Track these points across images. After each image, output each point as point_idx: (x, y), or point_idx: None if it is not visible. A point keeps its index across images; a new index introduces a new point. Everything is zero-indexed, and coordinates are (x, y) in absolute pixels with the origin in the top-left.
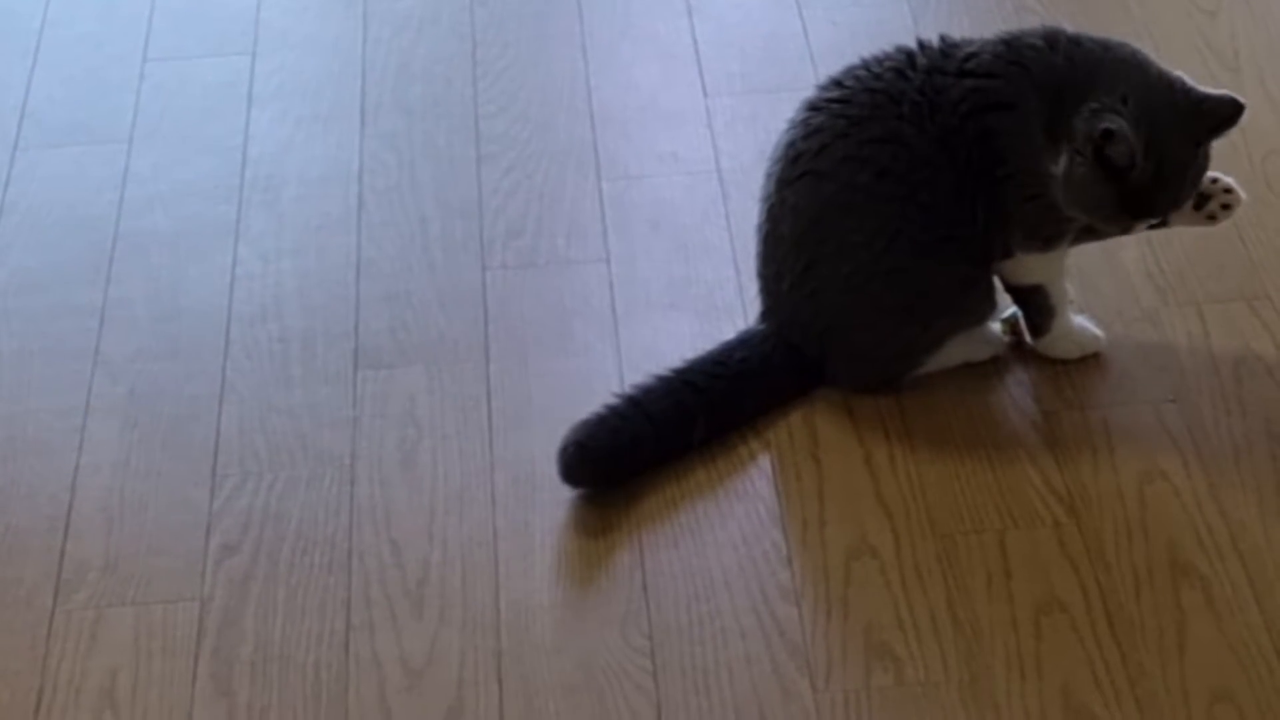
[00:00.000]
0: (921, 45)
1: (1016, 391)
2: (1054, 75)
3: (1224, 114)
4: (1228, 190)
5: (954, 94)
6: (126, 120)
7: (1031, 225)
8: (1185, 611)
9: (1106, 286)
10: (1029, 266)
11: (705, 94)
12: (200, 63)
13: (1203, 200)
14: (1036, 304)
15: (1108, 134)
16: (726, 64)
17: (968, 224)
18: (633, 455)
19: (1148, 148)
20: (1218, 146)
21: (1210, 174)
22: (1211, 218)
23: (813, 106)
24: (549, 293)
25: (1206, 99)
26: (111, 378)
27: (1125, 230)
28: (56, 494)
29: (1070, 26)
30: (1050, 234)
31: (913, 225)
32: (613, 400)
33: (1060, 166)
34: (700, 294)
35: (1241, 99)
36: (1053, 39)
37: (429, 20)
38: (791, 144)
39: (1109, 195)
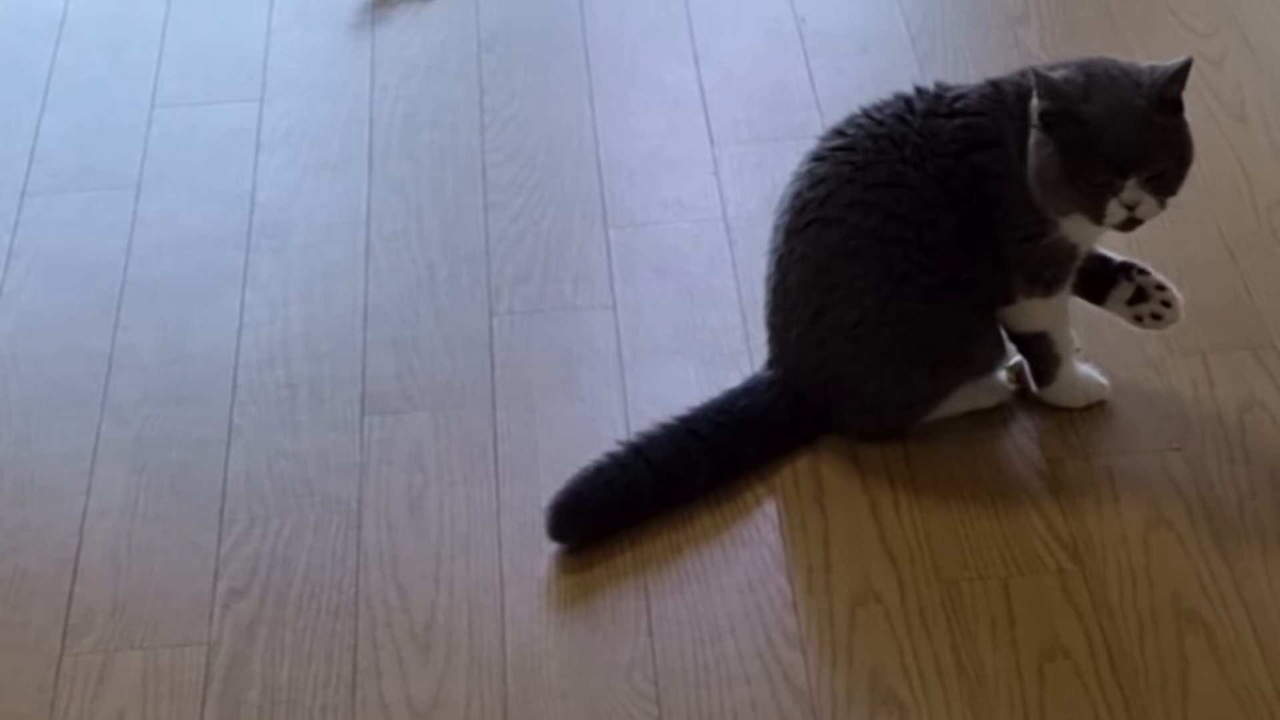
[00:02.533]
0: (919, 90)
1: (1022, 439)
2: (1028, 104)
3: (1172, 69)
4: (1166, 304)
5: (945, 134)
6: (135, 166)
7: (1032, 268)
8: (1189, 658)
9: (1111, 334)
10: (1032, 313)
11: (712, 142)
12: (208, 109)
13: (1140, 297)
14: (1041, 353)
15: (1039, 81)
16: (733, 112)
17: (972, 267)
18: (628, 505)
19: (1088, 93)
20: (1224, 199)
21: (1161, 282)
22: (1138, 319)
23: (816, 157)
24: (555, 339)
25: (1159, 65)
26: (119, 422)
27: (1098, 214)
28: (64, 538)
29: None
30: (1051, 277)
31: (919, 269)
32: (615, 448)
33: (1030, 162)
34: (706, 341)
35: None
36: (1030, 71)
37: (436, 68)
38: (798, 194)
39: (1066, 160)
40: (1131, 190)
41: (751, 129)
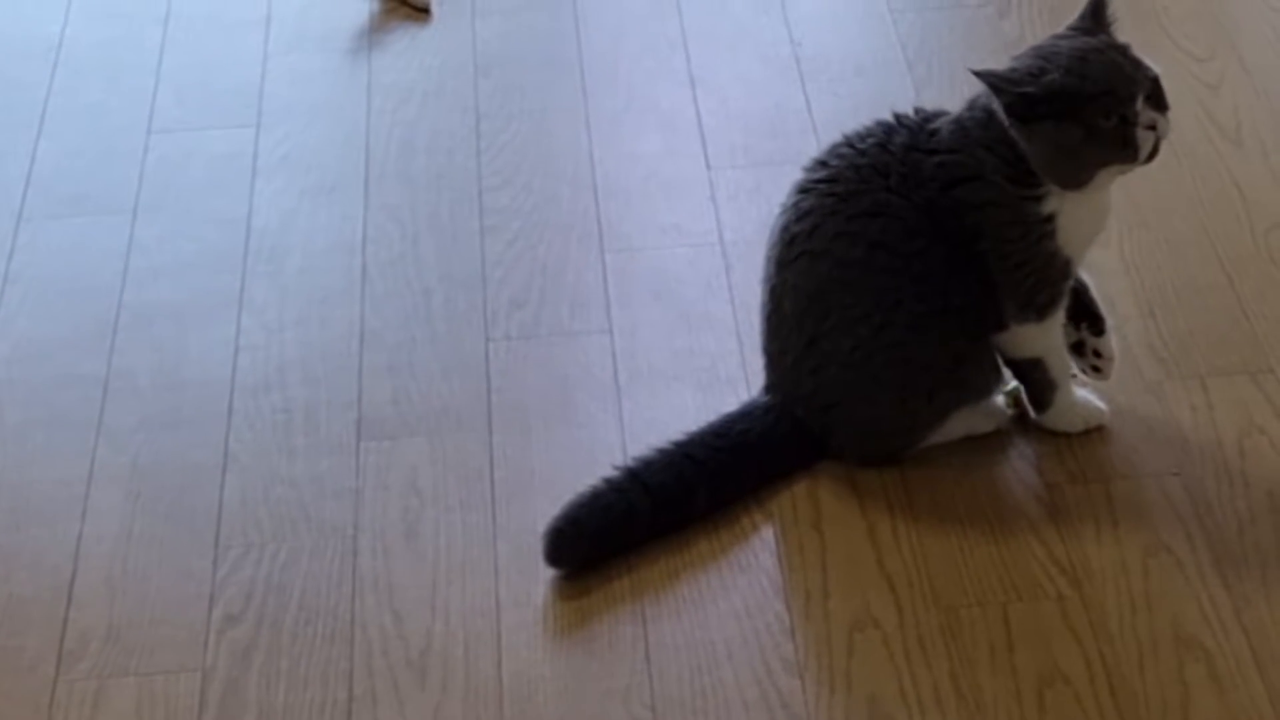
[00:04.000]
0: (899, 119)
1: (1020, 464)
2: (1002, 128)
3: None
4: (1096, 368)
5: (926, 170)
6: (131, 191)
7: (1025, 293)
8: (1189, 685)
9: None
10: (1025, 339)
11: (708, 166)
12: (205, 134)
13: (1078, 350)
14: (1037, 379)
15: (986, 82)
16: (729, 136)
17: (964, 294)
18: (624, 530)
19: (1041, 68)
20: (1221, 223)
21: (1101, 349)
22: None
23: (801, 189)
24: (552, 364)
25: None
26: (115, 448)
27: (1131, 152)
28: (59, 563)
29: None
30: (1044, 301)
31: (910, 297)
32: (612, 473)
33: (1035, 160)
34: (703, 366)
35: None
36: (979, 79)
37: (433, 93)
38: (785, 228)
39: (1068, 124)
40: (1145, 111)
41: (748, 154)
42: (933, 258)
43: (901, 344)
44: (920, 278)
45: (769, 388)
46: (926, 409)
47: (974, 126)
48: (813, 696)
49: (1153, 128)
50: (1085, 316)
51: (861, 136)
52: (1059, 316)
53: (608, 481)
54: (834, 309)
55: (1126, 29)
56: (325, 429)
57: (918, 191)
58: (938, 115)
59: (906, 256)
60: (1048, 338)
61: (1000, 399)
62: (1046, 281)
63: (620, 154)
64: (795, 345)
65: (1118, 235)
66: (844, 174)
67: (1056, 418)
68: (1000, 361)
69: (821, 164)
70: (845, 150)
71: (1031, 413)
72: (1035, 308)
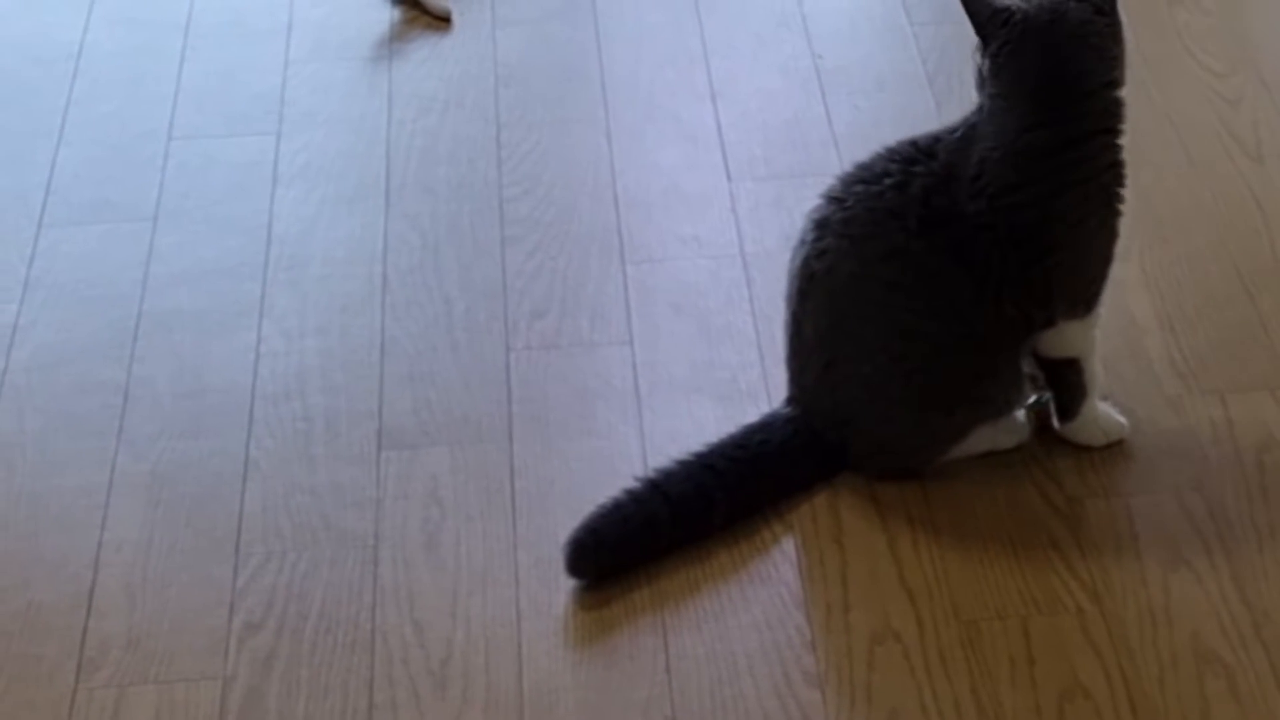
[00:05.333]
0: (919, 149)
1: (1040, 478)
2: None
3: None
4: (1032, 411)
5: (968, 208)
6: (151, 198)
7: (1083, 284)
8: (1209, 700)
9: (1129, 373)
10: (1070, 336)
11: (729, 178)
12: (225, 142)
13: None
14: (1071, 381)
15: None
16: (750, 148)
17: (991, 322)
18: (646, 541)
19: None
20: (1241, 239)
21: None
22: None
23: (819, 225)
24: (572, 374)
25: None
26: (135, 455)
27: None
28: (79, 571)
29: None
30: (1095, 292)
31: (929, 330)
32: (633, 484)
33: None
34: (724, 378)
35: None
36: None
37: (454, 102)
38: (805, 262)
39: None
40: None
41: (769, 165)
42: (957, 294)
43: (921, 369)
44: (939, 312)
45: (791, 400)
46: (947, 426)
47: (979, 140)
48: (833, 709)
49: None
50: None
51: (878, 175)
52: (1098, 314)
53: (629, 493)
54: (851, 339)
55: (1145, 45)
56: (346, 438)
57: (944, 232)
58: (959, 139)
59: (926, 296)
60: (1088, 336)
61: (1021, 414)
62: (1104, 266)
63: (641, 165)
64: (815, 364)
65: (1138, 250)
66: (859, 215)
67: (1079, 429)
68: (1023, 378)
69: (838, 200)
70: (860, 189)
71: (1055, 422)
72: (1086, 300)
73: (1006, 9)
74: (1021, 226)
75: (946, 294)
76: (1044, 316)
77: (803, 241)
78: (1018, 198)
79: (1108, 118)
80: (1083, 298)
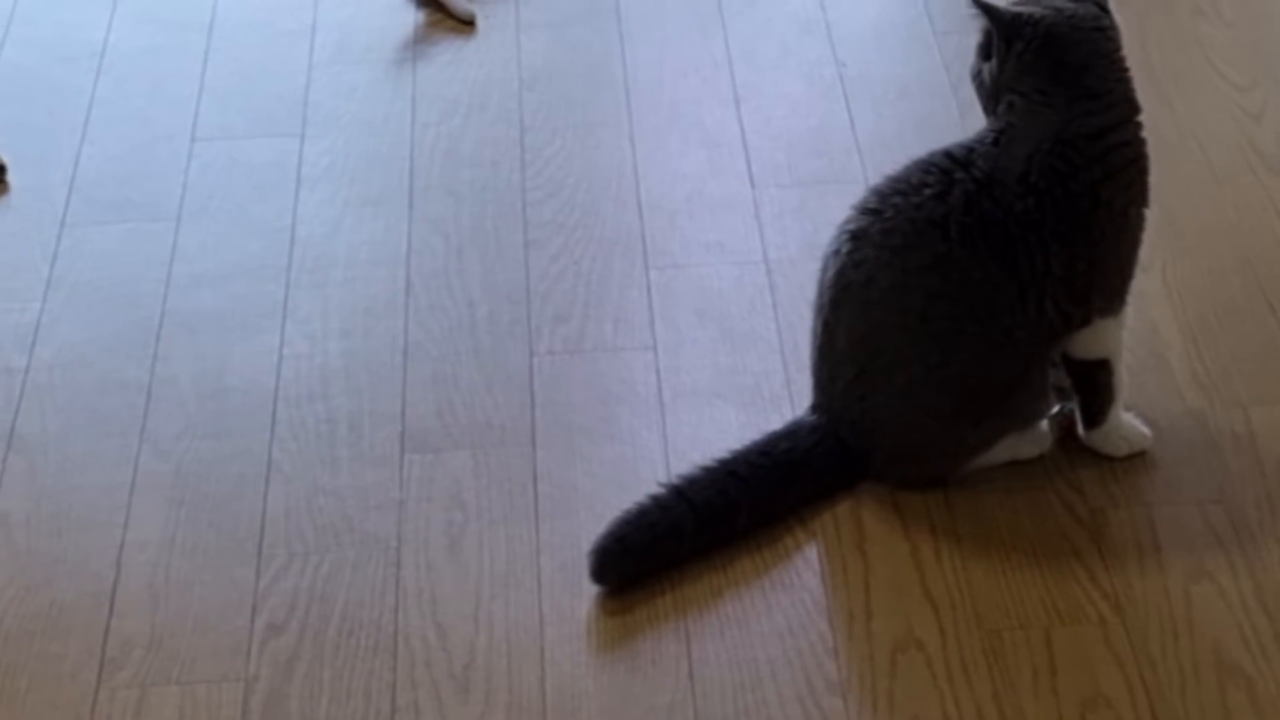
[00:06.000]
0: (954, 159)
1: (1063, 488)
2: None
3: None
4: (1055, 421)
5: (1019, 209)
6: (174, 198)
7: (1119, 279)
8: (1230, 711)
9: (1152, 385)
10: (1104, 335)
11: (752, 185)
12: (249, 143)
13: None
14: (1100, 384)
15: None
16: (774, 155)
17: (1028, 328)
18: (670, 547)
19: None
20: (1263, 252)
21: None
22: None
23: (855, 235)
24: (595, 379)
25: None
26: (158, 455)
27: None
28: (101, 570)
29: None
30: (1126, 286)
31: (969, 338)
32: (657, 490)
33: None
34: (747, 384)
35: None
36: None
37: (477, 106)
38: (841, 272)
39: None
40: None
41: (792, 172)
42: (998, 299)
43: (956, 378)
44: (984, 319)
45: (816, 407)
46: (974, 436)
47: (1017, 140)
48: (855, 717)
49: None
50: (1092, 401)
51: (916, 186)
52: (1127, 312)
53: (653, 498)
54: (887, 348)
55: (1168, 58)
56: (369, 440)
57: (986, 238)
58: (983, 149)
59: (969, 303)
60: (1119, 333)
61: (1044, 424)
62: (1135, 260)
63: (664, 171)
64: (845, 373)
65: (1160, 262)
66: (900, 226)
67: (1103, 438)
68: (1050, 388)
69: (875, 212)
70: (898, 200)
71: (1080, 429)
72: (1120, 295)
73: (1022, 15)
74: (1071, 219)
75: (987, 301)
76: (1081, 315)
77: (836, 252)
78: (1071, 187)
79: (1134, 104)
80: (1118, 293)
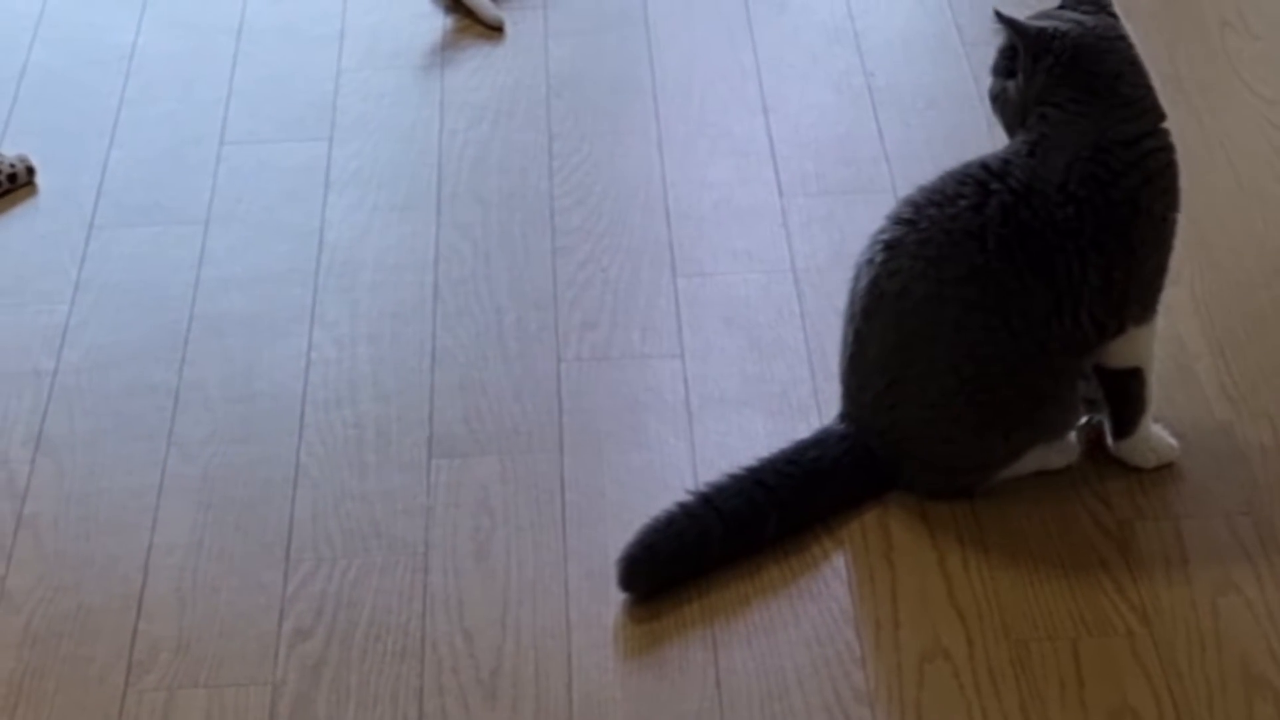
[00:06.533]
0: (990, 171)
1: (1090, 500)
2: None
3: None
4: (1083, 432)
5: (1060, 218)
6: (203, 202)
7: (1155, 285)
8: None
9: (1180, 398)
10: (1138, 342)
11: (780, 193)
12: (277, 147)
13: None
14: (1133, 393)
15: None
16: (802, 164)
17: (1062, 339)
18: (698, 555)
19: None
20: None
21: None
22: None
23: (888, 246)
24: (623, 386)
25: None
26: (185, 458)
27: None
28: (129, 573)
29: None
30: (1159, 294)
31: (1003, 350)
32: (685, 498)
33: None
34: (774, 393)
35: None
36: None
37: (505, 112)
38: (874, 282)
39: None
40: None
41: (820, 181)
42: (1033, 310)
43: (989, 389)
44: (1019, 332)
45: (844, 416)
46: (1003, 447)
47: (1041, 155)
48: None
49: None
50: (1123, 410)
51: (951, 198)
52: (1159, 319)
53: (681, 506)
54: (920, 359)
55: (1197, 71)
56: (396, 445)
57: (1024, 248)
58: (1018, 160)
59: (1005, 314)
60: (1152, 340)
61: (1072, 435)
62: (1168, 263)
63: (692, 179)
64: (876, 384)
65: (1189, 275)
66: (935, 237)
67: (1132, 449)
68: (1079, 400)
69: (910, 222)
70: (934, 212)
71: (1109, 440)
72: (1154, 303)
73: (1046, 30)
74: (1111, 227)
75: (1023, 312)
76: (1116, 323)
77: (870, 261)
78: (1111, 194)
79: (1161, 110)
80: (1153, 300)
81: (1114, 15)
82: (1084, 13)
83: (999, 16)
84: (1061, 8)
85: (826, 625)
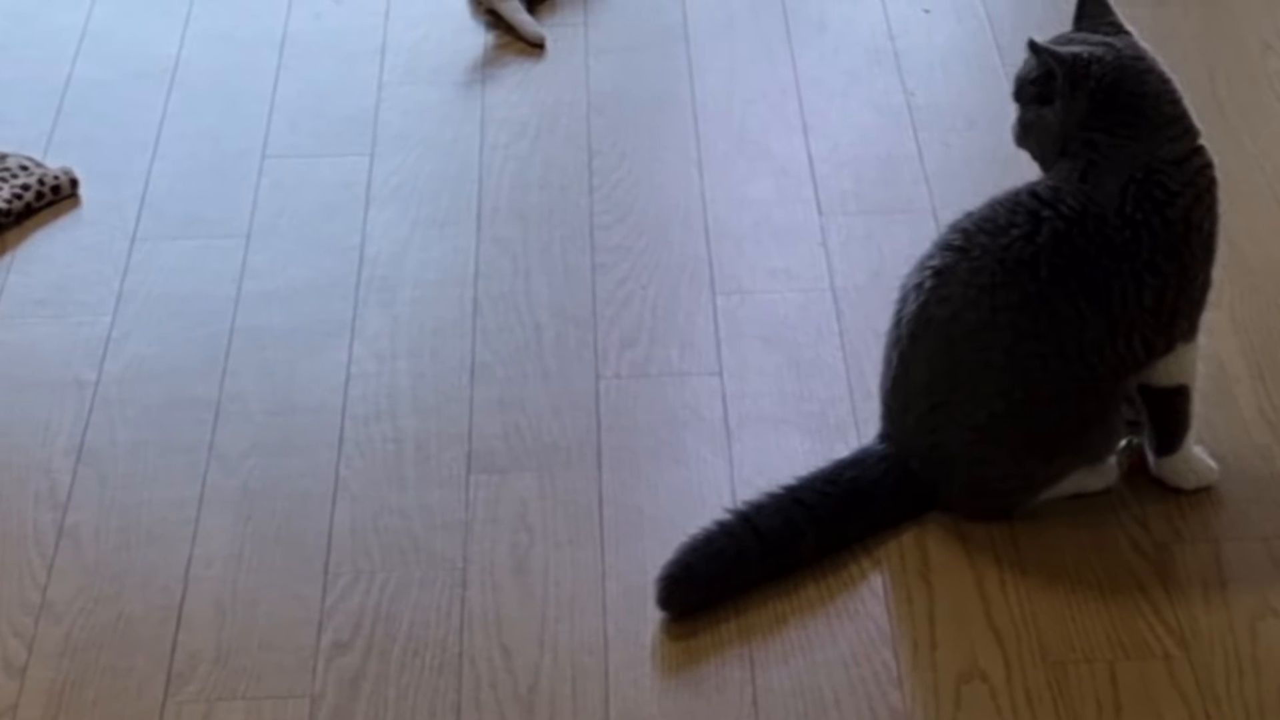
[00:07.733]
0: (1040, 199)
1: (1128, 522)
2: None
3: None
4: (1123, 455)
5: (1118, 241)
6: (245, 215)
7: (1199, 302)
8: None
9: (1219, 421)
10: (1184, 360)
11: (820, 212)
12: (319, 161)
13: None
14: (1177, 410)
15: (1044, 53)
16: (841, 183)
17: (1111, 363)
18: (736, 574)
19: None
20: None
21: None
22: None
23: (937, 272)
24: (661, 404)
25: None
26: (225, 471)
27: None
28: (169, 585)
29: None
30: (1201, 311)
31: (1053, 376)
32: (724, 516)
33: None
34: (813, 411)
35: None
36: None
37: (546, 129)
38: (923, 307)
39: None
40: None
41: (860, 201)
42: (1087, 335)
43: (1037, 414)
44: (1070, 356)
45: (884, 437)
46: (1045, 470)
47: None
48: None
49: None
50: (1168, 428)
51: (1004, 227)
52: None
53: (719, 524)
54: (968, 384)
55: (1237, 93)
56: (435, 460)
57: (1078, 275)
58: (1068, 188)
59: (1058, 340)
60: (1196, 357)
61: (1112, 458)
62: (1212, 278)
63: (732, 197)
64: (919, 406)
65: (1229, 298)
66: (988, 265)
67: (1173, 468)
68: (1121, 423)
69: (961, 250)
70: (985, 240)
71: (1151, 459)
72: (1199, 320)
73: (1083, 56)
74: (1165, 247)
75: (1076, 338)
76: (1165, 342)
77: (919, 286)
78: (1168, 214)
79: (1196, 127)
80: (1197, 316)
81: (1129, 33)
82: (1106, 34)
83: (1033, 46)
84: (1078, 29)
85: (863, 645)
